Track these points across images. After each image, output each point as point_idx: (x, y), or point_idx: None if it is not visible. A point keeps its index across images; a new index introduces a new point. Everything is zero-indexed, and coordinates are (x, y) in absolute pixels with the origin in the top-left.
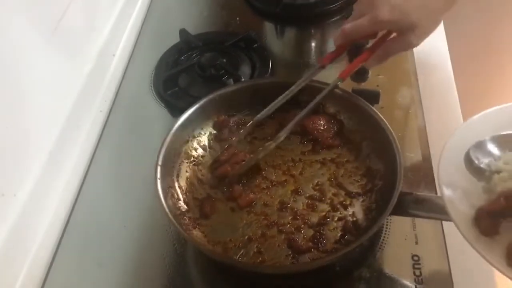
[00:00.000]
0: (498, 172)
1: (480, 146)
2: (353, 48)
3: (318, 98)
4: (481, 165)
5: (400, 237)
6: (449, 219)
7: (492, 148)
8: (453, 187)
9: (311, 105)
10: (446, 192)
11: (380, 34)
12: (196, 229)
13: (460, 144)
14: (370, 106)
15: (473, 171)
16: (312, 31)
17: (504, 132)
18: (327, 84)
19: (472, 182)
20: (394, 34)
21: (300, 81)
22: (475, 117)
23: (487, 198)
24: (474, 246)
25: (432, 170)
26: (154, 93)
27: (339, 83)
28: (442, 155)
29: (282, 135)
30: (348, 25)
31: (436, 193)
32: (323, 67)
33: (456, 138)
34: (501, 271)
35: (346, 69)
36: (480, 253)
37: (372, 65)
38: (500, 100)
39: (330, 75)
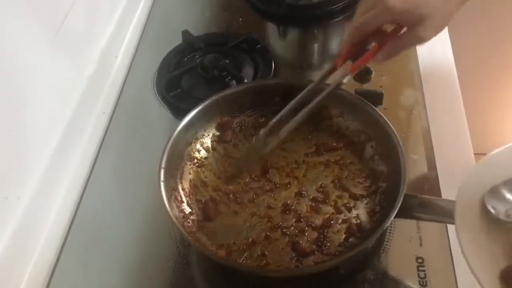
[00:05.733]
0: None
1: (494, 192)
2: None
3: (326, 90)
4: (500, 216)
5: (404, 239)
6: (453, 222)
7: (508, 194)
8: (473, 242)
9: (318, 99)
10: (468, 251)
11: (390, 29)
12: (200, 231)
13: (473, 191)
14: (374, 107)
15: (491, 222)
16: (315, 31)
17: None
18: (330, 85)
19: (493, 235)
20: (404, 29)
21: (311, 85)
22: (485, 158)
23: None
24: None
25: (436, 172)
26: (157, 95)
27: (347, 77)
28: (456, 206)
29: (284, 132)
30: (356, 21)
31: (441, 196)
32: (334, 69)
33: (468, 185)
34: None
35: (355, 64)
36: None
37: (380, 61)
38: (505, 101)
39: (331, 76)
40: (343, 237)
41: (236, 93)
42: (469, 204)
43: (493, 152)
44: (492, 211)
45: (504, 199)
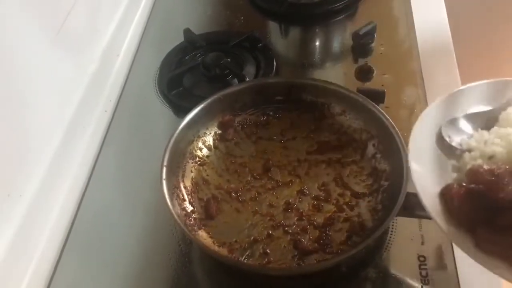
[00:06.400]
0: (469, 150)
1: (452, 123)
2: (357, 46)
3: None
4: (453, 143)
5: (406, 238)
6: None
7: (465, 126)
8: (423, 163)
9: None
10: (414, 166)
11: None
12: (202, 230)
13: (434, 120)
14: (376, 105)
15: (444, 148)
16: (317, 30)
17: (478, 110)
18: (333, 84)
19: (442, 160)
20: None
21: None
22: (450, 93)
23: (456, 177)
24: (439, 224)
25: None
26: (159, 93)
27: None
28: (413, 130)
29: None
30: None
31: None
32: None
33: (430, 114)
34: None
35: None
36: (447, 235)
37: None
38: None
39: (332, 74)
40: (345, 235)
41: (238, 91)
42: (427, 132)
43: (459, 89)
44: (447, 139)
45: (461, 130)
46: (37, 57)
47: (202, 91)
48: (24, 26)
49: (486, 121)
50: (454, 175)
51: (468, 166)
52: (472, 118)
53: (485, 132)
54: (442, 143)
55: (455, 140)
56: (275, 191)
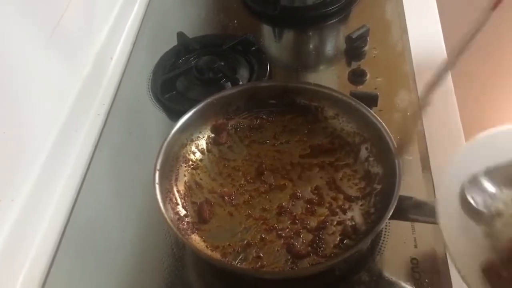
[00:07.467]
0: (499, 214)
1: (474, 183)
2: (350, 50)
3: None
4: (479, 207)
5: (399, 241)
6: None
7: (487, 185)
8: (455, 233)
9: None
10: (449, 239)
11: None
12: (195, 233)
13: (455, 181)
14: (369, 109)
15: (471, 213)
16: (310, 33)
17: (497, 163)
18: (327, 88)
19: (472, 226)
20: None
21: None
22: (466, 146)
23: (491, 245)
24: None
25: (431, 173)
26: (152, 97)
27: None
28: (437, 197)
29: None
30: None
31: (435, 197)
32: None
33: (450, 175)
34: None
35: None
36: None
37: None
38: (498, 102)
39: (326, 78)
40: (338, 239)
41: (231, 95)
42: (451, 195)
43: (475, 140)
44: (472, 202)
45: (482, 189)
46: (30, 59)
47: (195, 94)
48: (17, 27)
49: (506, 175)
50: (486, 240)
51: (505, 235)
52: (492, 173)
53: (510, 192)
54: (467, 207)
55: (479, 202)
56: (268, 195)
